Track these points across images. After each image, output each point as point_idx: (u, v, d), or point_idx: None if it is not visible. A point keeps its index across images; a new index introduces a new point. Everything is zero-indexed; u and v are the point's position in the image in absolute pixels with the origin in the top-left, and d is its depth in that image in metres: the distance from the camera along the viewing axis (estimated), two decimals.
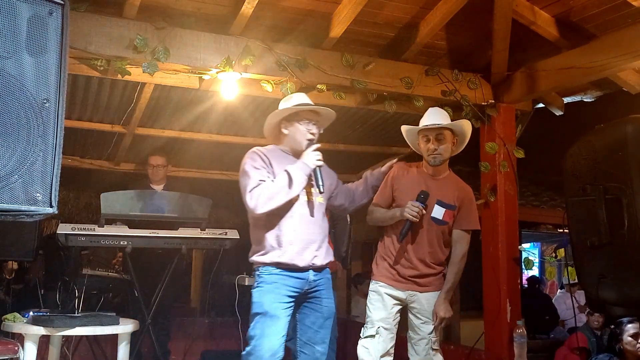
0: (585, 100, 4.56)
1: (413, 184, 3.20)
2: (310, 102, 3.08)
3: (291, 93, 3.71)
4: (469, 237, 3.29)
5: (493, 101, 4.25)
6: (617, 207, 2.44)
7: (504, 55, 3.99)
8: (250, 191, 2.81)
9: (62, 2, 1.85)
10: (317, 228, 2.98)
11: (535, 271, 10.86)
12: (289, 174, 2.84)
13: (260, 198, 2.79)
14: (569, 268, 3.80)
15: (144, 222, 4.07)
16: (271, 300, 2.82)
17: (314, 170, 2.90)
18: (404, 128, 3.34)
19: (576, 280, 3.65)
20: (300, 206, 2.93)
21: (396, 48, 4.05)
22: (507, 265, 4.12)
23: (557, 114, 4.65)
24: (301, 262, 2.88)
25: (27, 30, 1.77)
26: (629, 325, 3.98)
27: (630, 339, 3.96)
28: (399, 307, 3.21)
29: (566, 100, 4.60)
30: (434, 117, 3.25)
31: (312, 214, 2.96)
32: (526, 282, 8.56)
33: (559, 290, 10.32)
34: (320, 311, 2.97)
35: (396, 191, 3.25)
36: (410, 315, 3.24)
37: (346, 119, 5.02)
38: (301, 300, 2.94)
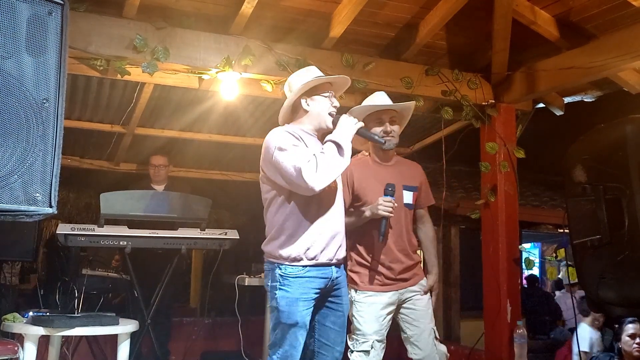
0: (585, 100, 4.56)
1: (373, 177, 3.04)
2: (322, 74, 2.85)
3: None
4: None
5: (493, 101, 4.26)
6: (617, 207, 2.44)
7: (504, 55, 3.99)
8: (304, 166, 2.46)
9: (61, 2, 1.85)
10: (340, 216, 2.75)
11: (535, 271, 10.87)
12: (336, 142, 2.56)
13: (319, 172, 2.47)
14: (569, 268, 3.80)
15: (144, 222, 4.07)
16: (301, 308, 2.59)
17: (361, 132, 2.70)
18: (353, 111, 3.00)
19: (576, 280, 3.66)
20: (325, 191, 2.60)
21: (396, 48, 4.06)
22: (507, 265, 4.12)
23: (557, 114, 4.65)
24: (329, 255, 2.65)
25: (27, 30, 1.77)
26: (629, 325, 3.98)
27: (627, 338, 3.96)
28: (391, 314, 3.03)
29: (566, 100, 4.61)
30: (385, 99, 3.11)
31: (335, 200, 2.71)
32: (525, 281, 8.57)
33: (556, 291, 10.34)
34: (341, 310, 2.75)
35: (358, 189, 3.05)
36: (402, 313, 3.08)
37: None
38: (322, 298, 2.72)
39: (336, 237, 2.70)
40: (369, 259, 3.03)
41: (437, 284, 3.24)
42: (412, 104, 3.15)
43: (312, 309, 2.65)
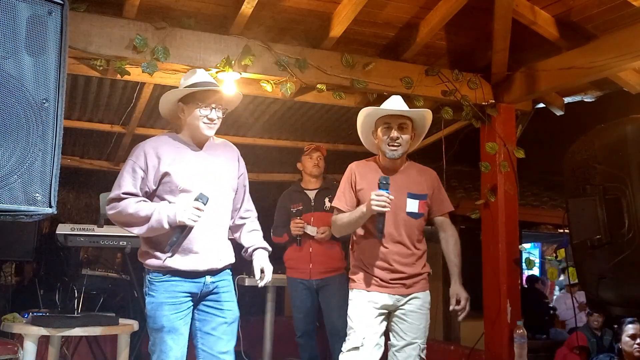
0: (585, 100, 4.56)
1: (376, 179, 2.84)
2: (211, 80, 2.68)
3: (291, 93, 3.72)
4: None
5: (493, 101, 4.25)
6: (617, 207, 2.44)
7: (504, 55, 3.99)
8: (110, 199, 2.57)
9: (61, 2, 1.85)
10: (218, 228, 2.67)
11: (535, 271, 10.88)
12: (151, 218, 2.49)
13: (115, 214, 2.56)
14: (569, 268, 3.80)
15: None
16: (167, 312, 2.56)
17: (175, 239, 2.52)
18: (363, 112, 2.96)
19: (576, 281, 3.65)
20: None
21: (396, 48, 4.05)
22: (507, 265, 4.12)
23: (558, 114, 4.65)
24: (198, 265, 2.59)
25: (27, 30, 1.77)
26: (629, 326, 3.98)
27: (627, 339, 3.96)
28: (384, 314, 2.92)
29: (566, 100, 4.60)
30: (399, 104, 2.93)
31: (212, 214, 2.60)
32: (525, 282, 8.58)
33: (559, 291, 10.34)
34: (222, 316, 2.68)
35: (360, 191, 2.95)
36: (394, 320, 2.94)
37: (346, 118, 5.02)
38: (197, 303, 2.68)
39: (209, 248, 2.61)
40: (366, 262, 2.95)
41: (462, 293, 3.01)
42: (424, 111, 2.98)
43: (183, 313, 2.58)
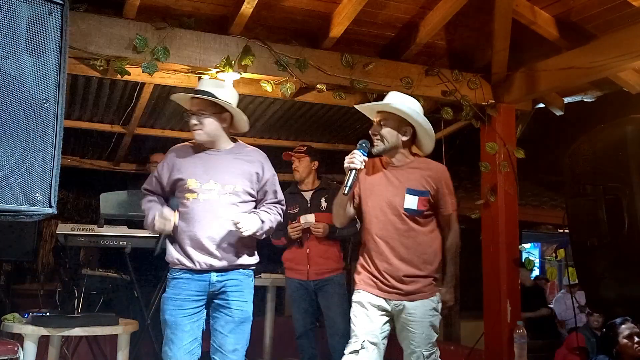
0: (585, 100, 4.56)
1: (375, 179, 2.86)
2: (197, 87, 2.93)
3: (291, 93, 3.72)
4: (454, 217, 2.96)
5: (493, 101, 4.25)
6: (617, 207, 2.44)
7: (504, 55, 3.99)
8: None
9: (61, 2, 1.85)
10: (223, 227, 2.74)
11: (535, 271, 10.89)
12: (147, 213, 2.91)
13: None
14: (569, 268, 3.80)
15: (143, 222, 4.06)
16: (170, 307, 2.74)
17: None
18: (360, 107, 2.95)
19: (576, 281, 3.66)
20: (202, 203, 2.76)
21: (396, 48, 4.05)
22: (507, 265, 4.12)
23: (557, 114, 4.65)
24: (201, 263, 2.73)
25: (27, 30, 1.77)
26: (623, 327, 3.95)
27: (625, 340, 3.94)
28: (387, 318, 2.82)
29: (566, 100, 4.60)
30: (388, 99, 2.85)
31: (216, 212, 2.74)
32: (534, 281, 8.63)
33: (559, 291, 10.34)
34: (230, 315, 2.78)
35: (362, 191, 2.89)
36: (397, 327, 2.85)
37: (346, 118, 5.03)
38: (209, 302, 2.82)
39: (211, 246, 2.73)
40: (367, 260, 2.88)
41: (450, 298, 2.92)
42: (385, 105, 2.82)
43: (188, 311, 2.74)
